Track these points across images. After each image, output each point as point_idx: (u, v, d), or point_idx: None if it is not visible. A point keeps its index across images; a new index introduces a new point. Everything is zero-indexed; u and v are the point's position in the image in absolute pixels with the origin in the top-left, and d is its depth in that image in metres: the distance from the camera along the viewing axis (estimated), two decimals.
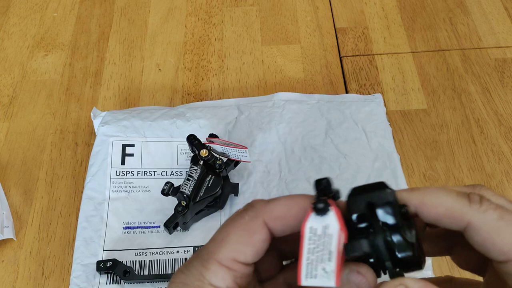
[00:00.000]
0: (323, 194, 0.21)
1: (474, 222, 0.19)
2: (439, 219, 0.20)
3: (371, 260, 0.20)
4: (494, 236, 0.19)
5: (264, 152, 0.45)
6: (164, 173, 0.43)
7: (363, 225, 0.20)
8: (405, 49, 0.54)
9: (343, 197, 0.21)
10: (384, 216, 0.20)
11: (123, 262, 0.38)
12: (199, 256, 0.20)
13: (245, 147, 0.40)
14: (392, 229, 0.20)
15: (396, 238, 0.20)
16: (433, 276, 0.39)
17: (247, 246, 0.20)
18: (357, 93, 0.50)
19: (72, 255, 0.39)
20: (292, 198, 0.21)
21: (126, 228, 0.41)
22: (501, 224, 0.19)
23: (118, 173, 0.43)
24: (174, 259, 0.39)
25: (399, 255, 0.19)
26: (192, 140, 0.41)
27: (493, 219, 0.19)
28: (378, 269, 0.20)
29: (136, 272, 0.38)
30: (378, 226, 0.20)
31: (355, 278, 0.20)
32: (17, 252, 0.41)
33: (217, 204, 0.41)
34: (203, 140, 0.41)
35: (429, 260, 0.39)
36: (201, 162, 0.40)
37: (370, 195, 0.20)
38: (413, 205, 0.20)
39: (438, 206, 0.20)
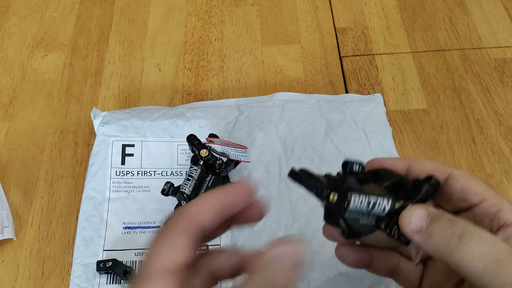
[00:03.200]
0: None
1: (454, 172, 0.26)
2: (427, 173, 0.25)
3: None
4: (469, 182, 0.25)
5: (264, 152, 0.45)
6: (164, 173, 0.43)
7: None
8: (405, 49, 0.54)
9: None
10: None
11: (123, 262, 0.38)
12: (140, 273, 0.21)
13: (245, 147, 0.40)
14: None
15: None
16: None
17: (172, 253, 0.21)
18: (357, 93, 0.50)
19: (72, 255, 0.39)
20: (211, 197, 0.23)
21: (126, 228, 0.41)
22: (473, 176, 0.26)
23: (118, 173, 0.43)
24: None
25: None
26: (192, 140, 0.41)
27: (467, 172, 0.26)
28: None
29: (136, 272, 0.38)
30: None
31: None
32: (17, 252, 0.41)
33: None
34: (203, 140, 0.41)
35: None
36: (201, 162, 0.40)
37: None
38: (404, 165, 0.26)
39: (427, 164, 0.26)
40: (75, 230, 0.41)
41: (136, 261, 0.39)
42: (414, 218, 0.23)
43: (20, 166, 0.46)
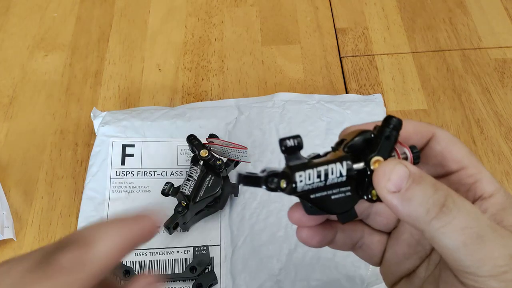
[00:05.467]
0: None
1: (437, 133, 0.23)
2: (409, 136, 0.23)
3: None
4: (451, 145, 0.23)
5: (264, 152, 0.45)
6: (164, 174, 0.43)
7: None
8: (405, 50, 0.54)
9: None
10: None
11: (123, 262, 0.38)
12: None
13: (245, 147, 0.40)
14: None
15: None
16: None
17: None
18: (357, 93, 0.50)
19: None
20: (115, 236, 0.19)
21: None
22: (456, 139, 0.23)
23: (118, 174, 0.43)
24: (174, 259, 0.39)
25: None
26: (192, 140, 0.41)
27: (451, 134, 0.24)
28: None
29: (136, 272, 0.38)
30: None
31: None
32: (17, 253, 0.41)
33: (217, 204, 0.41)
34: (203, 140, 0.41)
35: None
36: (201, 162, 0.40)
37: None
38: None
39: (407, 125, 0.23)
40: (75, 230, 0.41)
41: (136, 261, 0.39)
42: (394, 176, 0.20)
43: (20, 167, 0.46)
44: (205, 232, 0.41)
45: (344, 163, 0.21)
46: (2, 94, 0.51)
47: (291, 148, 0.21)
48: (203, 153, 0.40)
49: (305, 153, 0.21)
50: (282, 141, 0.21)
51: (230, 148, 0.40)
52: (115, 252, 0.18)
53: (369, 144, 0.22)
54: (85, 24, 0.57)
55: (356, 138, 0.22)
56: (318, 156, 0.22)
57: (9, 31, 0.56)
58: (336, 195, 0.22)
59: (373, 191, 0.21)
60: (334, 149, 0.23)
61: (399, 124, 0.21)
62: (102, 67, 0.53)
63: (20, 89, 0.51)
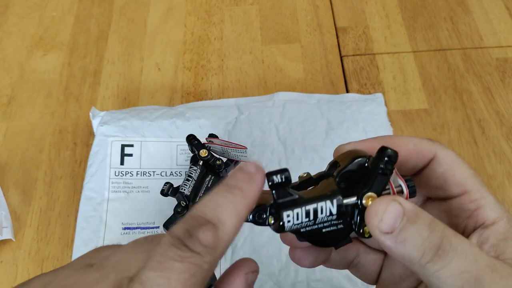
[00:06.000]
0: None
1: (439, 153, 0.22)
2: (409, 156, 0.22)
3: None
4: (454, 167, 0.22)
5: (264, 152, 0.45)
6: (163, 174, 0.43)
7: None
8: (406, 49, 0.54)
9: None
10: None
11: None
12: None
13: (245, 147, 0.39)
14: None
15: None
16: None
17: None
18: (357, 93, 0.50)
19: (71, 256, 0.39)
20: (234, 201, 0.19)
21: (125, 228, 0.40)
22: (460, 160, 0.22)
23: (117, 174, 0.43)
24: None
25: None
26: (191, 140, 0.41)
27: (454, 154, 0.22)
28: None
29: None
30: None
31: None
32: (16, 253, 0.40)
33: None
34: (202, 140, 0.41)
35: None
36: (201, 162, 0.40)
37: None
38: (373, 147, 0.22)
39: (408, 143, 0.22)
40: (74, 230, 0.40)
41: None
42: (387, 216, 0.19)
43: (19, 167, 0.45)
44: None
45: (335, 201, 0.20)
46: (0, 94, 0.51)
47: (278, 184, 0.20)
48: (203, 153, 0.40)
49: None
50: (269, 176, 0.20)
51: (229, 148, 0.40)
52: (237, 230, 0.19)
53: (363, 174, 0.20)
54: (84, 23, 0.56)
55: (350, 165, 0.21)
56: (309, 180, 0.21)
57: (7, 30, 0.56)
58: (327, 228, 0.21)
59: (366, 228, 0.20)
60: (326, 174, 0.22)
61: (394, 156, 0.20)
62: (101, 66, 0.53)
63: (18, 89, 0.51)
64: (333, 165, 0.22)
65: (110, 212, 0.41)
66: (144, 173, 0.43)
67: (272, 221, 0.20)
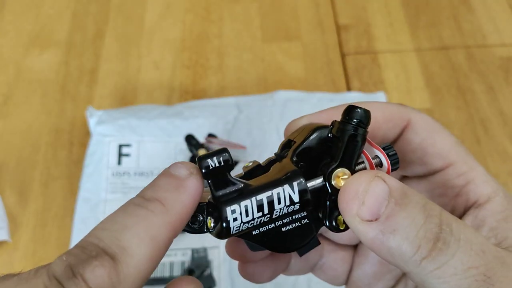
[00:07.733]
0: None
1: (414, 119, 0.17)
2: (377, 125, 0.17)
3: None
4: (434, 135, 0.17)
5: (264, 152, 0.44)
6: None
7: None
8: (409, 47, 0.53)
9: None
10: None
11: None
12: None
13: (244, 147, 0.39)
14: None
15: None
16: None
17: None
18: (359, 92, 0.49)
19: None
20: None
21: None
22: (439, 126, 0.17)
23: (114, 174, 0.42)
24: (172, 262, 0.38)
25: None
26: (190, 140, 0.40)
27: (432, 119, 0.17)
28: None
29: None
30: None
31: None
32: (12, 254, 0.40)
33: None
34: (201, 139, 0.41)
35: None
36: None
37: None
38: (332, 117, 0.18)
39: (375, 110, 0.16)
40: (71, 232, 0.40)
41: None
42: (370, 198, 0.14)
43: (15, 167, 0.45)
44: (204, 234, 0.40)
45: (295, 184, 0.15)
46: None
47: (214, 170, 0.14)
48: (202, 153, 0.39)
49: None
50: (200, 161, 0.14)
51: (229, 148, 0.39)
52: (153, 260, 0.14)
53: (327, 149, 0.16)
54: (81, 21, 0.56)
55: (308, 141, 0.16)
56: (257, 168, 0.16)
57: (4, 29, 0.55)
58: (288, 226, 0.16)
59: (340, 218, 0.15)
60: (279, 157, 0.17)
61: (366, 117, 0.15)
62: (98, 64, 0.52)
63: (14, 88, 0.50)
64: (285, 145, 0.17)
65: (107, 213, 0.40)
66: (142, 173, 0.42)
67: (212, 224, 0.15)
